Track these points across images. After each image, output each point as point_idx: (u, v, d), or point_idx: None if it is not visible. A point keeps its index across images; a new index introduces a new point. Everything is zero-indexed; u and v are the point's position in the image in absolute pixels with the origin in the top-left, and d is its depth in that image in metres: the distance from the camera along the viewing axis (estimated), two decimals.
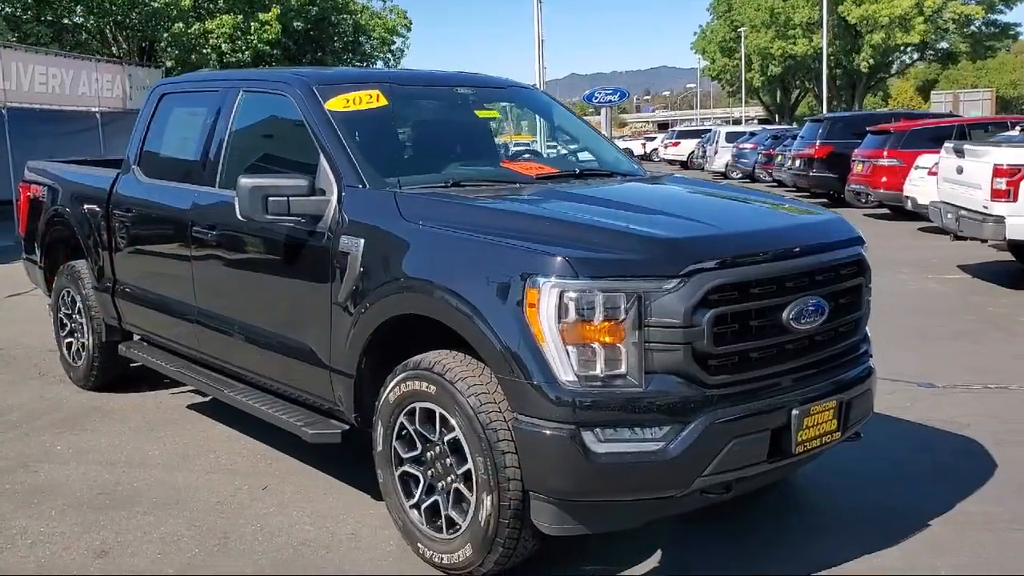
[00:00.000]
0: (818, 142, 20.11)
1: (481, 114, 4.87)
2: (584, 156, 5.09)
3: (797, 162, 20.79)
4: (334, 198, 3.99)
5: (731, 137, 33.29)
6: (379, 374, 3.82)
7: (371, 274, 3.75)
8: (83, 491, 4.52)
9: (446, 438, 3.48)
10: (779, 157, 24.53)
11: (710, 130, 38.41)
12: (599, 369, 3.14)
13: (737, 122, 61.88)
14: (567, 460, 3.14)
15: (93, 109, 18.28)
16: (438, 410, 3.48)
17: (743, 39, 56.68)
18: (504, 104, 4.98)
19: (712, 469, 3.21)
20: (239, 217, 4.01)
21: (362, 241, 3.79)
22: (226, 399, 4.69)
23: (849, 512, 4.17)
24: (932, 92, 54.10)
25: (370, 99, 4.38)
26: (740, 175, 29.91)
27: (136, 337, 5.84)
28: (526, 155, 4.99)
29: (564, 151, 5.32)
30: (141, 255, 5.41)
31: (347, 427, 4.09)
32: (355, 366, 3.85)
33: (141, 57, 23.89)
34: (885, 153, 16.54)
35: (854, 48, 51.51)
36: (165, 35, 26.04)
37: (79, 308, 6.15)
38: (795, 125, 38.67)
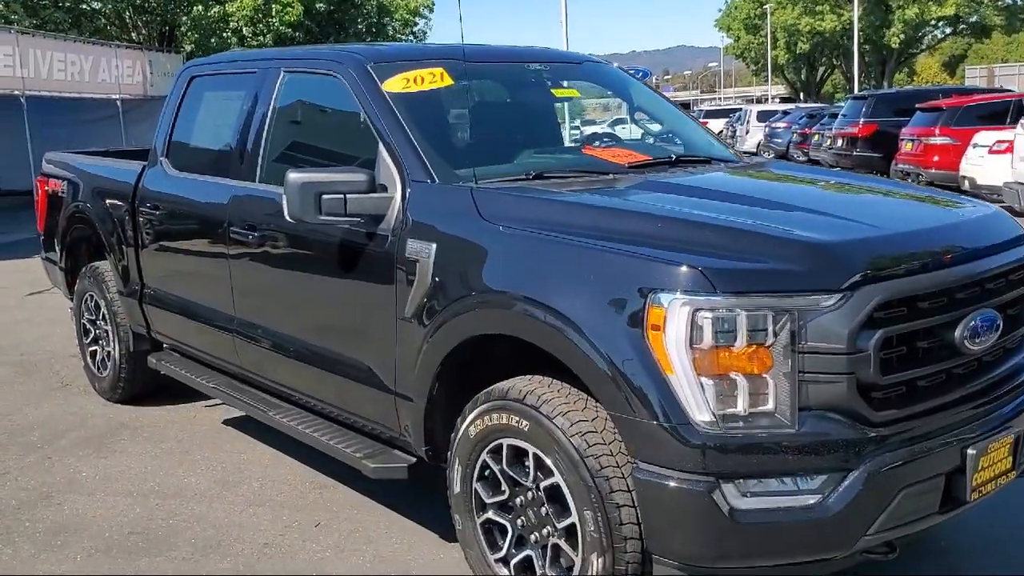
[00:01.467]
0: (862, 120, 19.34)
1: (559, 93, 4.26)
2: (670, 140, 4.48)
3: (839, 141, 20.02)
4: (397, 195, 3.41)
5: (763, 116, 32.45)
6: (456, 402, 3.25)
7: (445, 285, 3.17)
8: (112, 529, 3.99)
9: (542, 483, 2.90)
10: (816, 136, 23.78)
11: (740, 109, 37.54)
12: (741, 406, 2.55)
13: (760, 101, 60.80)
14: (701, 518, 2.56)
15: (113, 96, 17.79)
16: (532, 449, 2.91)
17: (769, 15, 55.53)
18: (580, 82, 4.37)
19: (878, 526, 2.62)
20: (287, 218, 3.44)
21: (433, 246, 3.21)
22: (271, 422, 4.14)
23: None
24: (966, 67, 52.81)
25: (433, 78, 3.79)
26: (772, 155, 29.11)
27: (166, 346, 5.29)
28: (605, 139, 4.38)
29: (645, 134, 4.72)
30: (171, 257, 4.86)
31: (413, 460, 3.53)
32: (426, 392, 3.28)
33: (161, 42, 23.38)
34: (937, 131, 15.77)
35: (884, 23, 50.25)
36: (185, 19, 25.49)
37: (104, 314, 5.61)
38: (818, 104, 37.76)
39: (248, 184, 4.20)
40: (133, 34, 24.93)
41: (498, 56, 4.19)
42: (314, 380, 3.92)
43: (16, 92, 14.87)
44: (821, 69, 62.80)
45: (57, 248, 6.06)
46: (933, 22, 50.91)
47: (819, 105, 34.72)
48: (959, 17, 49.82)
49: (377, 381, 3.53)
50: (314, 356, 3.85)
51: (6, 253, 12.57)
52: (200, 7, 24.95)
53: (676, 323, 2.54)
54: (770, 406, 2.56)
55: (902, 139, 16.85)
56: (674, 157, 3.91)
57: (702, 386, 2.54)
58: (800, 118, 28.71)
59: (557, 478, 2.83)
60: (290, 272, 3.96)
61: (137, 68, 18.92)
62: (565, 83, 4.30)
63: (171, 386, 5.58)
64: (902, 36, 49.97)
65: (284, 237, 3.93)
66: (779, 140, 29.28)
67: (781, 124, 29.83)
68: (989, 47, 66.91)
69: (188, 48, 22.30)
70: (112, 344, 5.55)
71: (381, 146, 3.54)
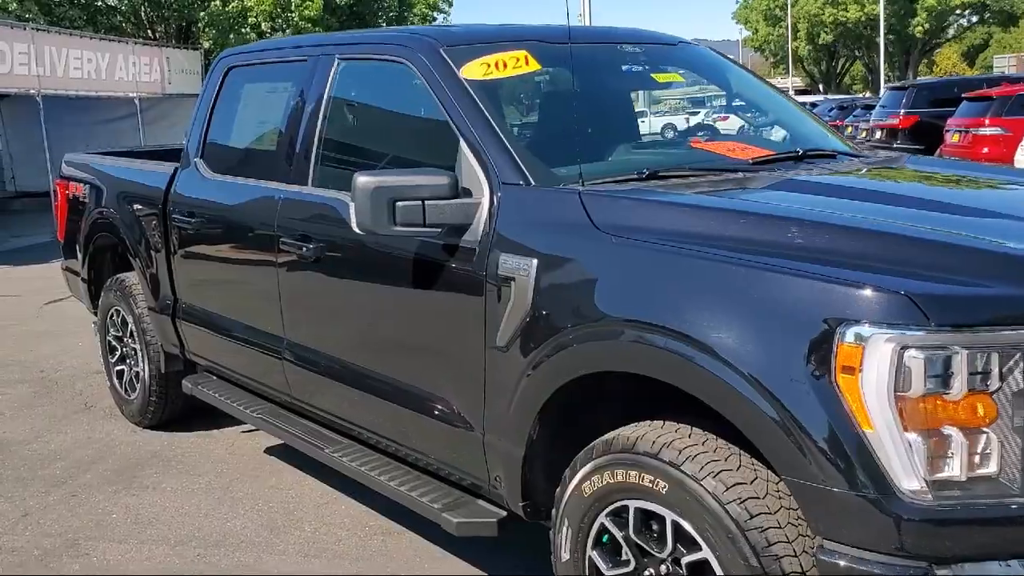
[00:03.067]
0: (902, 111, 18.67)
1: (661, 78, 3.70)
2: (776, 131, 3.92)
3: (878, 133, 19.33)
4: (485, 201, 2.87)
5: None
6: (561, 449, 2.72)
7: (551, 309, 2.62)
8: None
9: (684, 559, 2.35)
10: (849, 129, 23.13)
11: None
12: (958, 469, 2.00)
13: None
14: None
15: (131, 95, 17.33)
16: (669, 516, 2.36)
17: (790, 7, 54.67)
18: (676, 67, 3.80)
19: None
20: (355, 229, 2.90)
21: (533, 262, 2.66)
22: (330, 462, 3.60)
23: None
24: (994, 56, 51.80)
25: (517, 63, 3.24)
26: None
27: (202, 368, 4.77)
28: (700, 132, 3.84)
29: (746, 124, 4.17)
30: (209, 270, 4.34)
31: (504, 514, 2.99)
32: (525, 437, 2.73)
33: (178, 39, 22.94)
34: (987, 121, 15.11)
35: (909, 12, 49.35)
36: (202, 14, 25.01)
37: (131, 331, 5.10)
38: (843, 95, 36.93)
39: (299, 188, 3.67)
40: (149, 31, 24.50)
41: (588, 36, 3.62)
42: (380, 414, 3.39)
43: (32, 91, 14.43)
44: (841, 60, 61.86)
45: (79, 258, 5.55)
46: (958, 11, 49.96)
47: (849, 96, 34.03)
48: (985, 4, 48.87)
49: (460, 420, 2.99)
50: (381, 387, 3.32)
51: (22, 258, 12.11)
52: (218, 2, 24.47)
53: (877, 364, 1.99)
54: (993, 468, 2.01)
55: (947, 130, 16.19)
56: (800, 151, 3.35)
57: (910, 444, 1.99)
58: (830, 110, 28.03)
59: (706, 553, 2.28)
60: (352, 289, 3.42)
61: (155, 65, 18.44)
62: (665, 67, 3.74)
63: (205, 408, 5.06)
64: (926, 25, 49.08)
65: (345, 249, 3.39)
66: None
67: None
68: (1014, 36, 65.76)
69: (206, 45, 21.82)
70: (141, 364, 5.04)
71: (462, 144, 3.00)
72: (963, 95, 16.50)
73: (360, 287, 3.38)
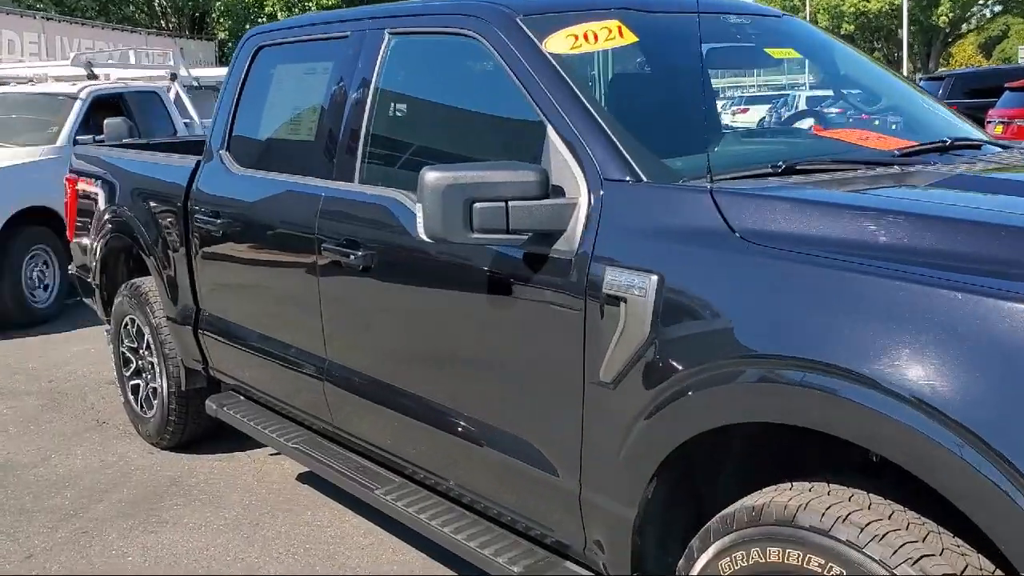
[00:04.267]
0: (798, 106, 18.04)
1: (777, 54, 3.16)
2: (895, 117, 3.39)
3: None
4: (583, 201, 2.34)
5: (813, 101, 31.06)
6: (678, 511, 2.19)
7: (678, 339, 2.09)
8: None
9: None
10: (877, 121, 22.52)
11: (786, 94, 36.13)
12: None
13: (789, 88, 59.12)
14: None
15: None
16: None
17: None
18: (789, 42, 3.25)
19: None
20: (422, 236, 2.37)
21: (652, 279, 2.13)
22: (383, 506, 3.08)
23: None
24: (1019, 47, 50.89)
25: (609, 35, 2.70)
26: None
27: (228, 386, 4.26)
28: (807, 116, 3.32)
29: (850, 107, 3.63)
30: (237, 278, 3.82)
31: None
32: (639, 497, 2.20)
33: (192, 30, 22.44)
34: None
35: (932, 2, 48.49)
36: (217, 4, 24.46)
37: (148, 342, 4.59)
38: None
39: (344, 186, 3.15)
40: (163, 21, 24.00)
41: (682, 6, 3.08)
42: (443, 452, 2.87)
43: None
44: None
45: (90, 260, 5.04)
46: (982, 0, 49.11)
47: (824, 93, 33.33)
48: None
49: (547, 466, 2.47)
50: (445, 421, 2.79)
51: None
52: None
53: None
54: None
55: (989, 121, 15.53)
56: (948, 140, 2.80)
57: None
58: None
59: None
60: (410, 305, 2.89)
61: (168, 56, 17.91)
62: (779, 42, 3.19)
63: (229, 427, 4.56)
64: (950, 15, 48.24)
65: (401, 257, 2.87)
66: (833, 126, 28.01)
67: (835, 109, 28.51)
68: None
69: (221, 35, 21.33)
70: (159, 380, 4.53)
71: (550, 132, 2.47)
72: (1005, 85, 15.88)
73: (420, 303, 2.85)
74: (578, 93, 2.49)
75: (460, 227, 2.31)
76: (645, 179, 2.30)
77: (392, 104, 3.18)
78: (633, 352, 2.16)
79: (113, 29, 16.04)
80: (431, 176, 2.31)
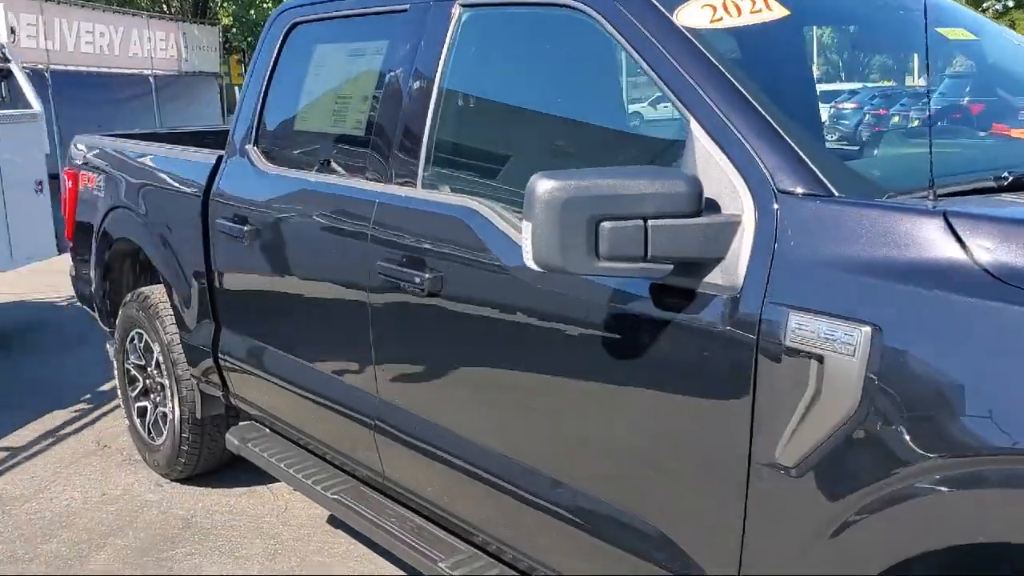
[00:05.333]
0: (966, 100, 17.49)
1: (952, 35, 2.60)
2: None
3: (940, 122, 18.13)
4: (749, 220, 1.78)
5: (826, 97, 30.49)
6: None
7: (900, 417, 1.53)
8: None
9: None
10: (896, 118, 22.01)
11: (874, 87, 35.61)
12: None
13: None
14: None
15: (146, 72, 16.23)
16: None
17: None
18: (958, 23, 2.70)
19: None
20: (529, 264, 1.82)
21: (863, 332, 1.56)
22: None
23: None
24: None
25: (754, 6, 2.14)
26: (838, 136, 27.27)
27: (250, 416, 3.70)
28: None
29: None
30: (267, 296, 3.26)
31: None
32: None
33: (195, 14, 21.78)
34: None
35: None
36: None
37: (158, 361, 4.03)
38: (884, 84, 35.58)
39: (404, 191, 2.59)
40: (165, 5, 23.33)
41: None
42: (529, 529, 2.31)
43: (40, 66, 13.34)
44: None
45: (92, 264, 4.48)
46: None
47: (890, 84, 32.77)
48: None
49: (685, 566, 1.91)
50: (534, 492, 2.24)
51: None
52: None
53: None
54: None
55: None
56: None
57: None
58: (872, 99, 26.87)
59: None
60: (493, 345, 2.33)
61: (171, 41, 17.33)
62: (952, 22, 2.63)
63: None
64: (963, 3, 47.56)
65: (482, 283, 2.31)
66: (846, 122, 27.38)
67: (849, 104, 27.99)
68: None
69: (225, 20, 20.70)
70: (170, 404, 3.97)
71: (695, 128, 1.91)
72: None
73: (505, 342, 2.28)
74: (732, 79, 1.92)
75: (583, 253, 1.75)
76: (836, 193, 1.74)
77: (465, 93, 2.62)
78: (831, 430, 1.60)
79: (114, 12, 15.45)
80: (546, 185, 1.75)
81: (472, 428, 2.42)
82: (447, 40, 2.57)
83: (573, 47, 2.35)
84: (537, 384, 2.21)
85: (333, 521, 3.73)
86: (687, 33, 2.03)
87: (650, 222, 1.74)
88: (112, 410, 5.09)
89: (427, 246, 2.45)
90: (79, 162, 4.64)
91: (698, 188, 1.77)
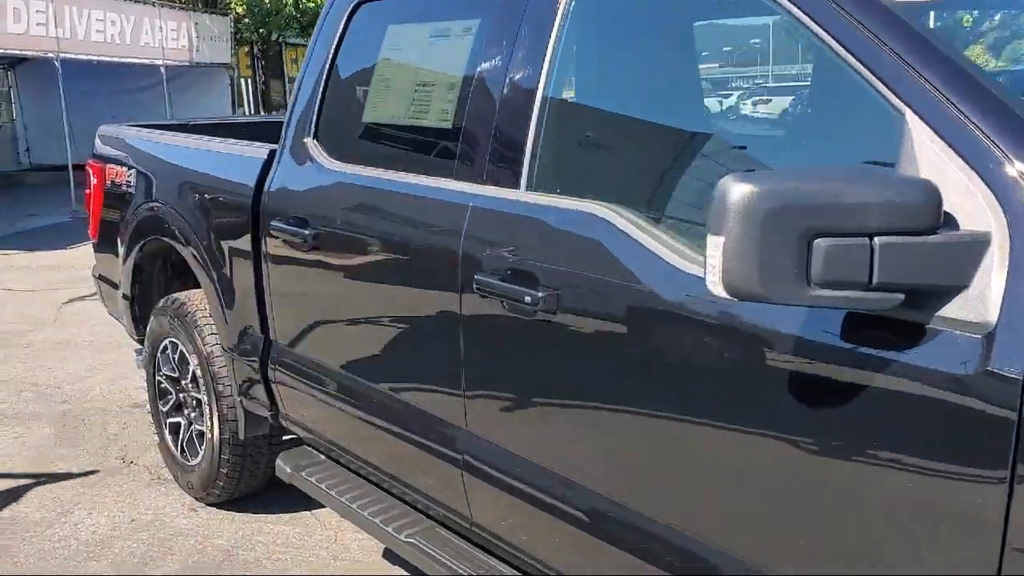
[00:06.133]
0: None
1: None
2: None
3: None
4: (1000, 237, 1.41)
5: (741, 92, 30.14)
6: None
7: None
8: None
9: None
10: None
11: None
12: None
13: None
14: None
15: (157, 62, 15.84)
16: None
17: None
18: None
19: None
20: (715, 290, 1.44)
21: None
22: None
23: None
24: None
25: None
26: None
27: (302, 439, 3.33)
28: None
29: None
30: (329, 308, 2.89)
31: None
32: None
33: (207, 3, 21.36)
34: None
35: None
36: None
37: (195, 374, 3.66)
38: None
39: (506, 193, 2.22)
40: None
41: None
42: None
43: (50, 54, 12.97)
44: None
45: (120, 266, 4.11)
46: None
47: None
48: None
49: None
50: (685, 560, 1.87)
51: (37, 242, 10.71)
52: None
53: None
54: None
55: None
56: None
57: None
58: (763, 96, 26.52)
59: None
60: (626, 378, 1.95)
61: (182, 31, 16.93)
62: None
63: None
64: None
65: (614, 306, 1.94)
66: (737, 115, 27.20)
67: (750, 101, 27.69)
68: None
69: (238, 9, 20.29)
70: (208, 422, 3.61)
71: (914, 123, 1.54)
72: None
73: (644, 375, 1.91)
74: (960, 62, 1.56)
75: (790, 278, 1.39)
76: None
77: (581, 77, 2.25)
78: None
79: (125, 0, 15.07)
80: (743, 190, 1.39)
81: (591, 476, 2.05)
82: (557, 14, 2.20)
83: (726, 18, 1.98)
84: (681, 432, 1.84)
85: (389, 555, 3.38)
86: (887, 5, 1.66)
87: (877, 240, 1.38)
88: (137, 422, 4.73)
89: (540, 258, 2.09)
90: (106, 155, 4.27)
91: (937, 197, 1.40)
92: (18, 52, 13.31)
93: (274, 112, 25.45)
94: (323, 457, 3.18)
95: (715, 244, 1.42)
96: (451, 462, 2.41)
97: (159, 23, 15.93)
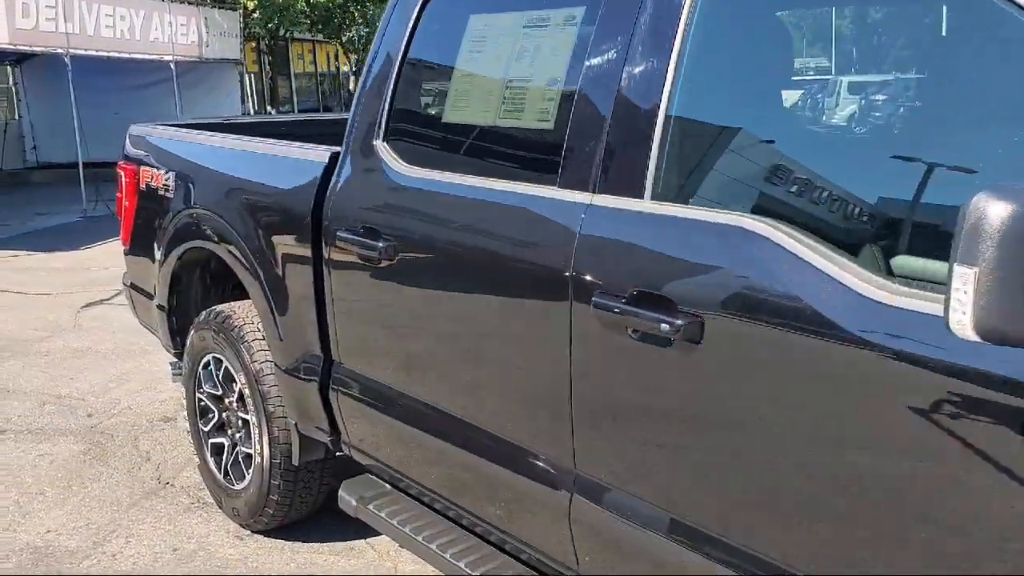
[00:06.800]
0: None
1: None
2: None
3: None
4: None
5: (855, 87, 29.86)
6: None
7: None
8: None
9: None
10: None
11: (824, 80, 34.92)
12: None
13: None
14: None
15: (166, 58, 15.54)
16: None
17: None
18: None
19: None
20: (964, 331, 1.18)
21: None
22: None
23: None
24: None
25: None
26: (865, 130, 26.63)
27: (364, 467, 3.07)
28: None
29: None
30: (407, 328, 2.62)
31: None
32: None
33: None
34: None
35: None
36: None
37: (242, 393, 3.40)
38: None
39: (626, 204, 1.95)
40: None
41: None
42: None
43: (60, 50, 12.68)
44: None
45: (157, 276, 3.85)
46: None
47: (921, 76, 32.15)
48: None
49: None
50: None
51: (49, 242, 10.45)
52: None
53: None
54: None
55: None
56: None
57: None
58: (907, 90, 26.21)
59: None
60: (795, 424, 1.69)
61: (192, 26, 16.62)
62: None
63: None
64: None
65: (781, 340, 1.67)
66: (878, 114, 26.79)
67: (880, 96, 27.32)
68: None
69: (250, 5, 19.99)
70: (257, 445, 3.35)
71: None
72: None
73: (818, 422, 1.65)
74: None
75: None
76: None
77: (718, 66, 1.98)
78: None
79: None
80: (1005, 210, 1.13)
81: (749, 533, 1.79)
82: (686, 4, 1.94)
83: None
84: (875, 504, 1.57)
85: None
86: None
87: None
88: (168, 437, 4.47)
89: (676, 279, 1.82)
90: (139, 157, 4.02)
91: None
92: (28, 48, 13.05)
93: (281, 109, 25.16)
94: (389, 487, 2.92)
95: (964, 276, 1.16)
96: (553, 506, 2.15)
97: (169, 18, 15.62)
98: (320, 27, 23.83)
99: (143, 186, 3.92)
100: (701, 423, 1.83)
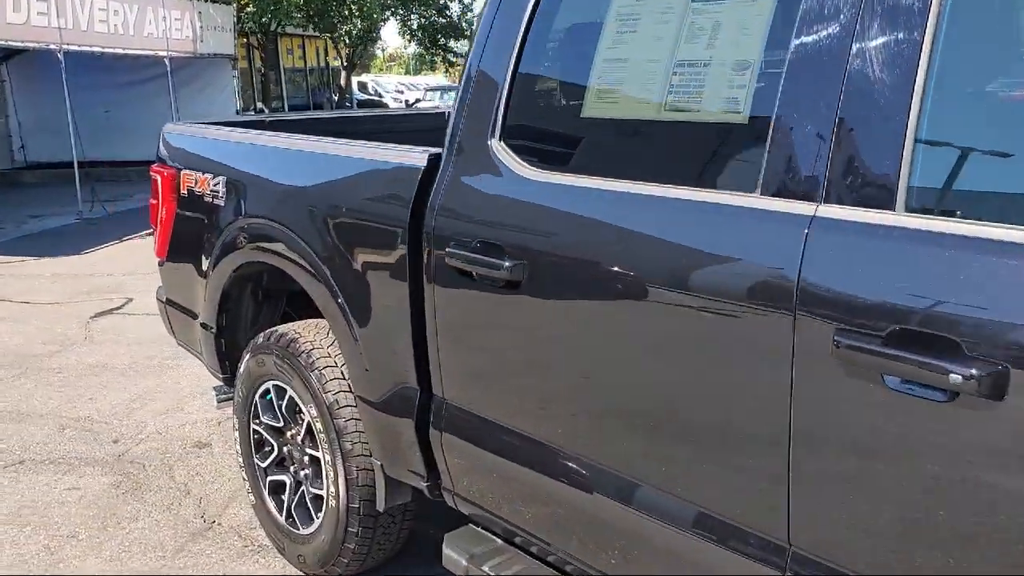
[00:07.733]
0: None
1: None
2: None
3: None
4: None
5: None
6: None
7: None
8: None
9: None
10: None
11: None
12: None
13: None
14: None
15: (161, 53, 15.01)
16: None
17: None
18: None
19: None
20: None
21: None
22: None
23: None
24: None
25: None
26: None
27: (473, 519, 2.65)
28: None
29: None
30: (541, 360, 2.20)
31: None
32: None
33: None
34: None
35: None
36: None
37: (311, 427, 2.98)
38: None
39: (871, 218, 1.55)
40: None
41: None
42: None
43: (53, 46, 12.16)
44: None
45: (204, 294, 3.42)
46: None
47: None
48: None
49: None
50: None
51: (47, 246, 9.96)
52: None
53: None
54: None
55: None
56: None
57: None
58: None
59: None
60: None
61: (186, 21, 16.07)
62: None
63: (415, 543, 3.00)
64: None
65: None
66: None
67: None
68: None
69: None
70: (331, 486, 2.93)
71: None
72: None
73: None
74: None
75: None
76: None
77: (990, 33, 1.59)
78: None
79: None
80: None
81: None
82: None
83: None
84: None
85: None
86: None
87: None
88: (204, 466, 4.06)
89: (962, 316, 1.42)
90: (178, 159, 3.59)
91: None
92: (19, 44, 12.50)
93: (272, 106, 24.58)
94: (500, 541, 2.50)
95: None
96: None
97: (163, 12, 15.10)
98: (316, 21, 23.29)
99: (184, 191, 3.50)
100: (996, 506, 1.43)
